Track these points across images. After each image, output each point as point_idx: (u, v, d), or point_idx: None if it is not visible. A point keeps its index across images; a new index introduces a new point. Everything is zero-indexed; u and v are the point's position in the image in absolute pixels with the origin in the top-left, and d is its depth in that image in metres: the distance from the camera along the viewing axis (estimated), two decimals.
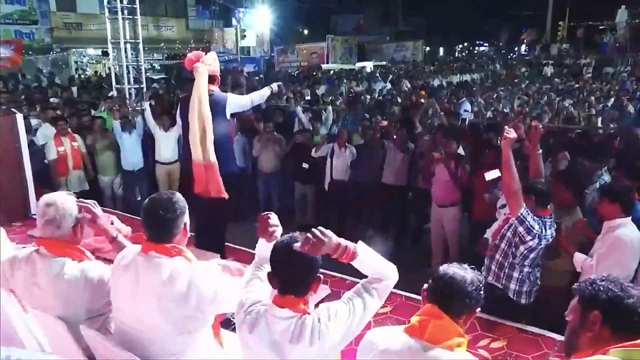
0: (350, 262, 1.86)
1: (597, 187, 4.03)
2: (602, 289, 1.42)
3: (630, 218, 3.26)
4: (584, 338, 1.42)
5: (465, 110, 9.09)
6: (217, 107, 3.97)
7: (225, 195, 3.96)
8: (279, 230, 2.06)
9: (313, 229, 1.78)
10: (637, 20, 24.89)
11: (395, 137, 6.19)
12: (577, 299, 1.48)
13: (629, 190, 3.39)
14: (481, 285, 1.69)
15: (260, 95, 4.40)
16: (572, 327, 1.48)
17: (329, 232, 1.78)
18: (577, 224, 3.62)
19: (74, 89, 12.02)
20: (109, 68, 11.02)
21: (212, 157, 3.89)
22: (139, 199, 7.03)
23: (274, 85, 4.60)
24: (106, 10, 8.33)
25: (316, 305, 1.87)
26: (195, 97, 3.89)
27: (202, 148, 3.89)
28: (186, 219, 2.14)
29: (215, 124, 3.94)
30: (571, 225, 3.55)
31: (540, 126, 3.94)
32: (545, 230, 3.21)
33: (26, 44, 19.98)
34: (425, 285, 1.74)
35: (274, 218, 2.09)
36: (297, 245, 1.75)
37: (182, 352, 1.99)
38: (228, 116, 4.08)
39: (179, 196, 2.14)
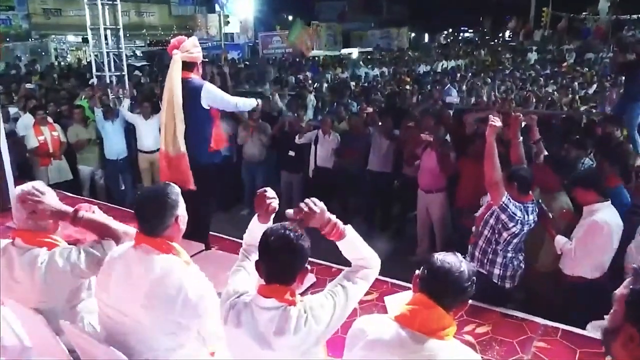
0: (337, 243, 1.90)
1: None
2: None
3: (609, 202, 3.31)
4: (617, 347, 1.28)
5: (450, 95, 9.16)
6: (192, 95, 3.83)
7: (193, 187, 3.77)
8: (275, 202, 2.04)
9: (306, 199, 1.84)
10: (616, 17, 25.12)
11: (380, 123, 6.17)
12: (624, 305, 1.28)
13: (599, 174, 3.44)
14: (475, 278, 1.66)
15: (247, 104, 4.22)
16: (609, 329, 1.31)
17: (321, 204, 1.84)
18: (563, 215, 3.62)
19: (54, 77, 11.81)
20: (90, 55, 10.83)
21: (182, 148, 3.78)
22: (122, 188, 6.95)
23: (260, 101, 4.50)
24: None
25: (301, 294, 1.86)
26: (167, 85, 3.80)
27: (171, 138, 3.80)
28: (179, 212, 2.05)
29: (192, 113, 3.83)
30: (557, 214, 3.58)
31: (521, 115, 3.95)
32: (528, 215, 3.25)
33: (3, 31, 19.48)
34: (417, 272, 1.71)
35: (270, 191, 2.05)
36: (289, 212, 1.80)
37: (167, 350, 1.96)
38: (205, 105, 3.91)
39: (171, 188, 2.07)
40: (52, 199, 2.27)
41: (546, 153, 4.08)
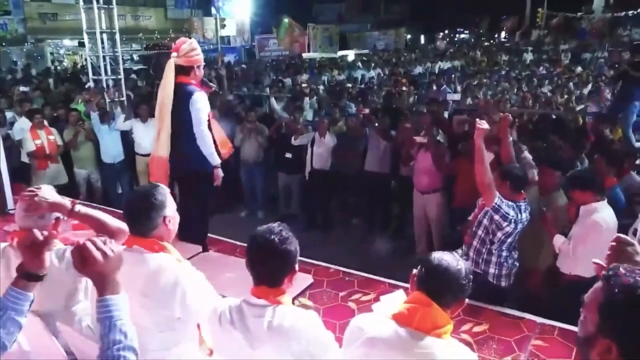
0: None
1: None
2: (622, 313, 1.06)
3: (605, 201, 3.33)
4: (594, 357, 1.13)
5: (448, 91, 9.24)
6: (184, 101, 3.82)
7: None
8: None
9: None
10: (611, 15, 25.22)
11: (377, 124, 6.18)
12: (597, 315, 1.12)
13: (595, 175, 3.46)
14: (471, 276, 1.69)
15: (210, 153, 3.91)
16: (583, 338, 1.16)
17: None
18: (569, 209, 3.63)
19: (50, 81, 11.80)
20: (86, 59, 10.83)
21: (163, 152, 3.79)
22: (120, 191, 6.95)
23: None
24: (81, 0, 8.14)
25: (299, 295, 1.87)
26: (160, 90, 3.82)
27: (157, 142, 3.83)
28: (167, 212, 2.05)
29: (184, 118, 3.82)
30: (559, 209, 3.59)
31: (510, 116, 3.98)
32: (521, 214, 3.27)
33: None
34: (415, 271, 1.72)
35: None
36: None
37: (165, 349, 1.96)
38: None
39: (158, 189, 2.07)
40: (48, 193, 2.23)
41: (528, 155, 4.11)
